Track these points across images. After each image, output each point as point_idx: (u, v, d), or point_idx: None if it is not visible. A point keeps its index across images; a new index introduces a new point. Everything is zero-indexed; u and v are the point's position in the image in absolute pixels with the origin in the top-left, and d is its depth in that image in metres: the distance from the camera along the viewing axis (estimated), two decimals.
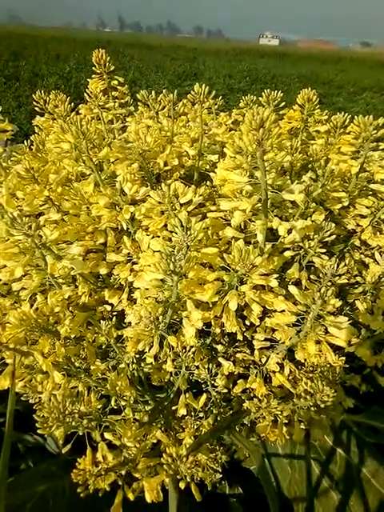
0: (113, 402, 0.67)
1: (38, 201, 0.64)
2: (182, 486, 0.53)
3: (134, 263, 0.65)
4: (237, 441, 0.59)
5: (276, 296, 0.60)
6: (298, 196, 0.53)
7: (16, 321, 0.58)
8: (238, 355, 0.69)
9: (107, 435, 0.60)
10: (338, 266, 0.59)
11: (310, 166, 0.86)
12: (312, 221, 0.67)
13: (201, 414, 0.65)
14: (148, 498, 0.60)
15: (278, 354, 0.62)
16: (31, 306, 0.64)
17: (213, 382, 0.65)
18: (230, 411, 0.66)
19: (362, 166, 0.70)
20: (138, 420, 0.65)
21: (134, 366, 0.69)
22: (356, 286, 0.72)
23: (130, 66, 9.57)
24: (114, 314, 0.70)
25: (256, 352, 0.65)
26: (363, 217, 0.75)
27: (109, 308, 0.70)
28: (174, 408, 0.63)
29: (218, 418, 0.64)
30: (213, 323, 0.68)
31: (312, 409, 0.59)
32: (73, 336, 0.64)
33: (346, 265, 0.69)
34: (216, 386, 0.65)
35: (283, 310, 0.60)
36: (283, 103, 0.96)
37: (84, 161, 0.66)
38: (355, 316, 0.67)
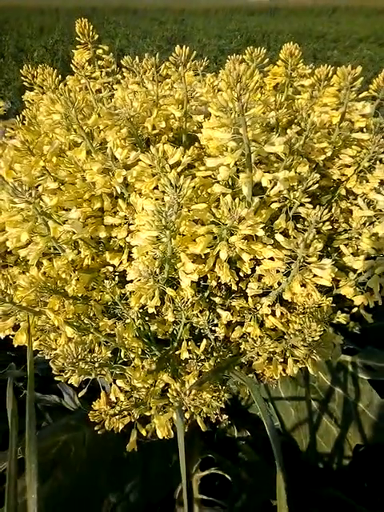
0: (122, 354, 0.73)
1: (35, 171, 0.68)
2: (187, 416, 0.59)
3: (130, 224, 0.70)
4: (236, 377, 0.66)
5: (264, 245, 0.64)
6: (278, 148, 0.57)
7: (26, 284, 0.64)
8: (234, 303, 0.74)
9: (119, 382, 0.67)
10: (321, 214, 0.62)
11: (296, 121, 0.88)
12: (297, 173, 0.70)
13: (202, 358, 0.71)
14: (159, 434, 0.67)
15: (268, 298, 0.66)
16: (38, 270, 0.69)
17: (212, 329, 0.70)
18: (230, 354, 0.72)
19: (343, 116, 0.73)
20: (147, 367, 0.71)
21: (139, 321, 0.75)
22: (343, 233, 0.76)
23: (117, 33, 9.24)
24: (117, 274, 0.75)
25: (250, 299, 0.70)
26: (348, 166, 0.78)
27: (111, 269, 0.75)
28: (177, 353, 0.69)
29: (219, 360, 0.70)
30: (209, 276, 0.73)
31: (303, 346, 0.65)
32: (80, 295, 0.69)
33: (332, 214, 0.74)
34: (215, 332, 0.71)
35: (272, 258, 0.64)
36: (267, 60, 0.96)
37: (75, 130, 0.69)
38: (342, 261, 0.72)
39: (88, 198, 0.72)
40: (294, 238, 0.70)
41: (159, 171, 0.66)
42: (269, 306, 0.67)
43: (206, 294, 0.79)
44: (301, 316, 0.67)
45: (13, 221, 0.59)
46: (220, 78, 1.09)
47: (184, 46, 0.70)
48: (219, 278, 0.68)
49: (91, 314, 0.73)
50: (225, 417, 0.85)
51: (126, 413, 0.66)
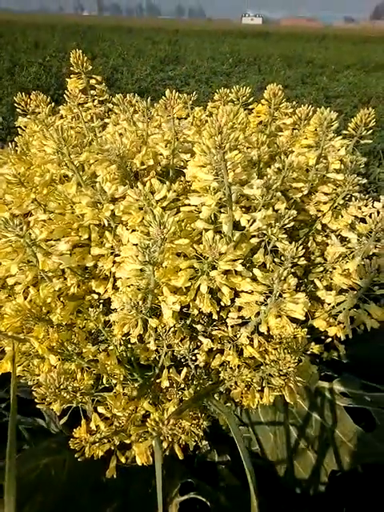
0: (104, 380, 0.75)
1: (27, 202, 0.71)
2: (164, 445, 0.61)
3: (116, 255, 0.72)
4: (214, 406, 0.68)
5: (243, 278, 0.67)
6: (256, 191, 0.61)
7: (12, 312, 0.66)
8: (215, 332, 0.77)
9: (100, 409, 0.68)
10: (297, 249, 0.66)
11: (277, 157, 0.93)
12: (276, 210, 0.74)
13: (183, 386, 0.74)
14: (139, 461, 0.69)
15: (246, 328, 0.70)
16: (25, 298, 0.71)
17: (192, 357, 0.73)
18: (210, 382, 0.74)
19: (319, 158, 0.78)
20: (128, 394, 0.73)
21: (122, 347, 0.77)
22: (319, 265, 0.80)
23: (111, 51, 9.42)
24: (101, 301, 0.77)
25: (229, 329, 0.74)
26: (324, 203, 0.83)
27: (96, 296, 0.77)
28: (158, 381, 0.71)
29: (198, 388, 0.72)
30: (191, 305, 0.76)
31: (280, 375, 0.68)
32: (64, 323, 0.71)
33: (308, 248, 0.78)
34: (195, 361, 0.73)
35: (251, 291, 0.68)
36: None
37: (66, 164, 0.72)
38: (315, 292, 0.76)
39: (76, 227, 0.75)
40: (272, 271, 0.73)
41: (145, 206, 0.70)
42: (247, 336, 0.70)
43: (187, 322, 0.81)
44: (277, 346, 0.70)
45: (2, 252, 0.61)
46: (208, 111, 1.15)
47: (173, 91, 0.75)
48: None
49: (75, 341, 0.75)
50: (204, 443, 0.87)
51: (105, 440, 0.67)
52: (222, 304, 0.75)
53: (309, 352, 0.73)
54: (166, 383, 0.69)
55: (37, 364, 0.72)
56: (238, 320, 0.73)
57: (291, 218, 0.70)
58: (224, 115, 0.55)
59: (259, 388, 0.72)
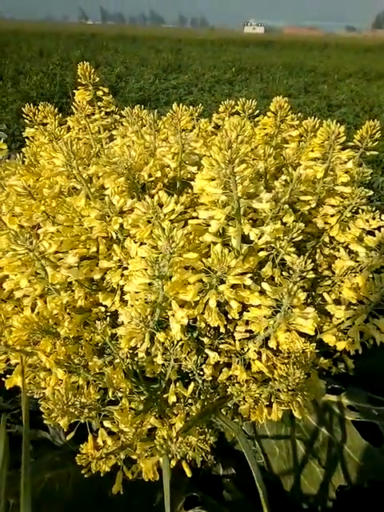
0: (110, 394, 0.74)
1: (36, 214, 0.71)
2: (173, 463, 0.61)
3: (124, 268, 0.72)
4: (222, 422, 0.67)
5: (252, 292, 0.67)
6: (265, 205, 0.61)
7: (20, 325, 0.65)
8: (222, 346, 0.76)
9: (106, 423, 0.68)
10: (306, 263, 0.66)
11: (283, 169, 0.93)
12: (283, 223, 0.74)
13: (190, 401, 0.73)
14: (145, 477, 0.68)
15: (255, 343, 0.69)
16: (32, 310, 0.71)
17: (199, 371, 0.72)
18: (217, 396, 0.73)
19: (327, 171, 0.77)
20: (134, 409, 0.72)
21: (128, 360, 0.76)
22: (326, 278, 0.80)
23: (115, 60, 9.51)
24: (108, 314, 0.77)
25: (237, 342, 0.73)
26: (332, 215, 0.83)
27: (103, 309, 0.77)
28: (165, 396, 0.70)
29: (206, 404, 0.72)
30: (198, 319, 0.75)
31: (288, 391, 0.67)
32: (71, 336, 0.71)
33: (316, 260, 0.77)
34: (203, 375, 0.73)
35: (259, 305, 0.67)
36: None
37: (75, 176, 0.72)
38: (325, 308, 0.75)
39: (84, 239, 0.75)
40: (280, 284, 0.73)
41: (153, 218, 0.69)
42: (255, 351, 0.69)
43: (194, 334, 0.81)
44: (286, 361, 0.70)
45: (12, 265, 0.61)
46: (213, 123, 1.16)
47: (177, 101, 0.75)
48: None
49: (82, 354, 0.74)
50: (211, 457, 0.86)
51: (112, 455, 0.66)
52: (230, 317, 0.75)
53: (317, 366, 0.72)
54: (173, 398, 0.68)
55: (43, 377, 0.71)
56: (246, 334, 0.72)
57: (300, 231, 0.70)
58: (234, 130, 0.55)
59: (267, 403, 0.71)
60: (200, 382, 0.73)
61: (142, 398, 0.77)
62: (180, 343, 0.70)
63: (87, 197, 0.73)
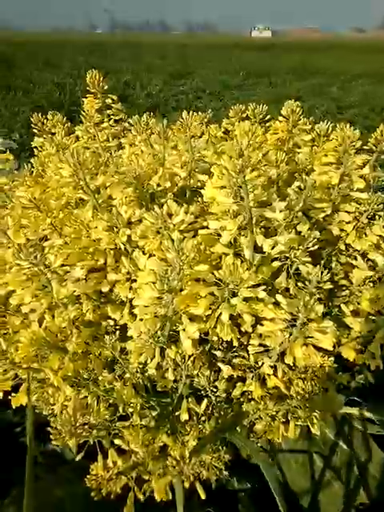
0: (121, 410, 0.72)
1: (42, 227, 0.69)
2: (186, 485, 0.58)
3: (133, 281, 0.70)
4: (239, 442, 0.64)
5: (265, 305, 0.64)
6: (279, 215, 0.58)
7: (27, 340, 0.63)
8: (235, 360, 0.73)
9: (117, 441, 0.65)
10: (322, 273, 0.63)
11: (296, 175, 0.90)
12: (298, 231, 0.71)
13: (203, 418, 0.70)
14: (157, 497, 0.65)
15: (270, 357, 0.66)
16: (40, 325, 0.69)
17: (212, 388, 0.70)
18: (231, 413, 0.70)
19: (342, 177, 0.74)
20: (145, 425, 0.70)
21: (138, 375, 0.74)
22: (343, 288, 0.77)
23: (123, 67, 9.60)
24: (118, 327, 0.75)
25: (251, 357, 0.70)
26: (347, 222, 0.79)
27: (112, 322, 0.75)
28: (177, 413, 0.68)
29: (220, 421, 0.69)
30: (210, 332, 0.73)
31: (305, 407, 0.64)
32: (80, 351, 0.69)
33: (331, 269, 0.74)
34: (216, 391, 0.70)
35: (273, 318, 0.64)
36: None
37: (82, 187, 0.71)
38: (342, 317, 0.72)
39: (92, 251, 0.73)
40: (295, 295, 0.70)
41: (162, 229, 0.67)
42: (270, 366, 0.66)
43: (206, 348, 0.78)
44: (302, 375, 0.67)
45: (16, 280, 0.59)
46: (223, 128, 1.13)
47: (187, 107, 0.73)
48: None
49: (90, 368, 0.72)
50: (225, 473, 0.83)
51: (122, 475, 0.64)
52: (243, 330, 0.72)
53: (335, 381, 0.69)
54: (185, 416, 0.65)
55: (51, 393, 0.70)
56: (260, 348, 0.69)
57: (315, 240, 0.67)
58: (245, 137, 0.52)
59: (284, 420, 0.68)
60: (213, 398, 0.70)
61: (153, 414, 0.74)
62: (191, 358, 0.67)
63: (94, 208, 0.71)
